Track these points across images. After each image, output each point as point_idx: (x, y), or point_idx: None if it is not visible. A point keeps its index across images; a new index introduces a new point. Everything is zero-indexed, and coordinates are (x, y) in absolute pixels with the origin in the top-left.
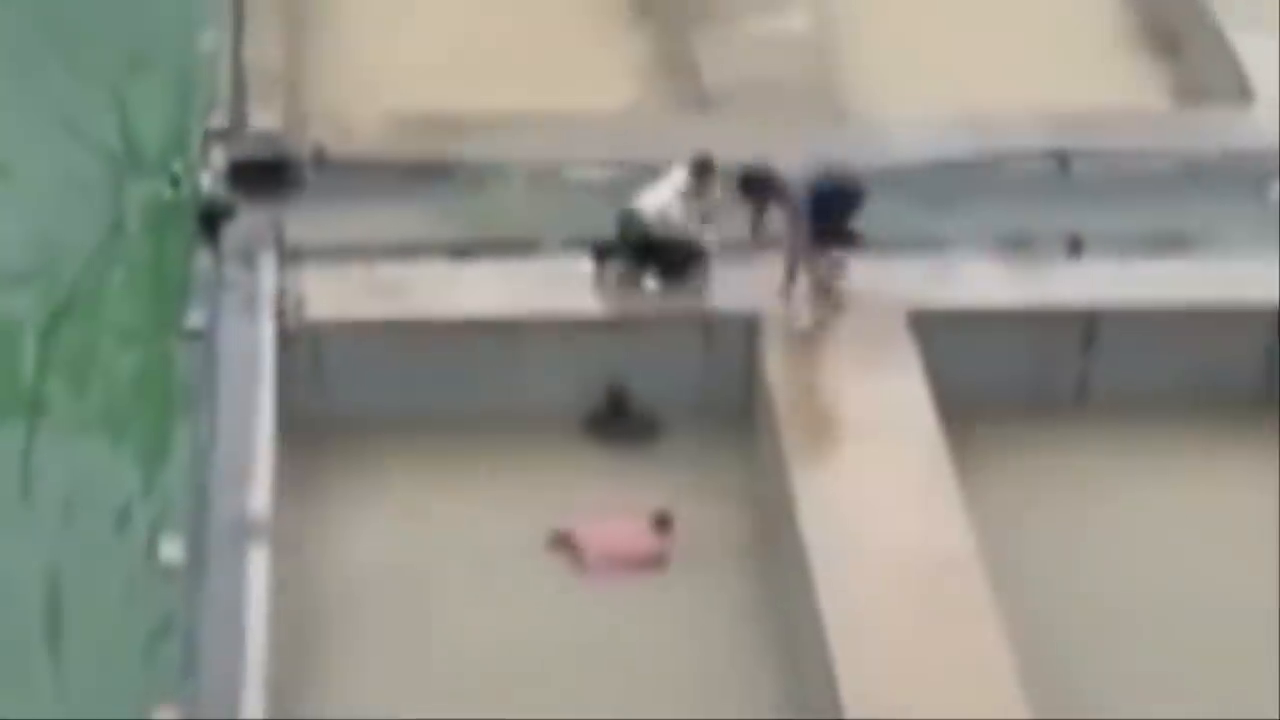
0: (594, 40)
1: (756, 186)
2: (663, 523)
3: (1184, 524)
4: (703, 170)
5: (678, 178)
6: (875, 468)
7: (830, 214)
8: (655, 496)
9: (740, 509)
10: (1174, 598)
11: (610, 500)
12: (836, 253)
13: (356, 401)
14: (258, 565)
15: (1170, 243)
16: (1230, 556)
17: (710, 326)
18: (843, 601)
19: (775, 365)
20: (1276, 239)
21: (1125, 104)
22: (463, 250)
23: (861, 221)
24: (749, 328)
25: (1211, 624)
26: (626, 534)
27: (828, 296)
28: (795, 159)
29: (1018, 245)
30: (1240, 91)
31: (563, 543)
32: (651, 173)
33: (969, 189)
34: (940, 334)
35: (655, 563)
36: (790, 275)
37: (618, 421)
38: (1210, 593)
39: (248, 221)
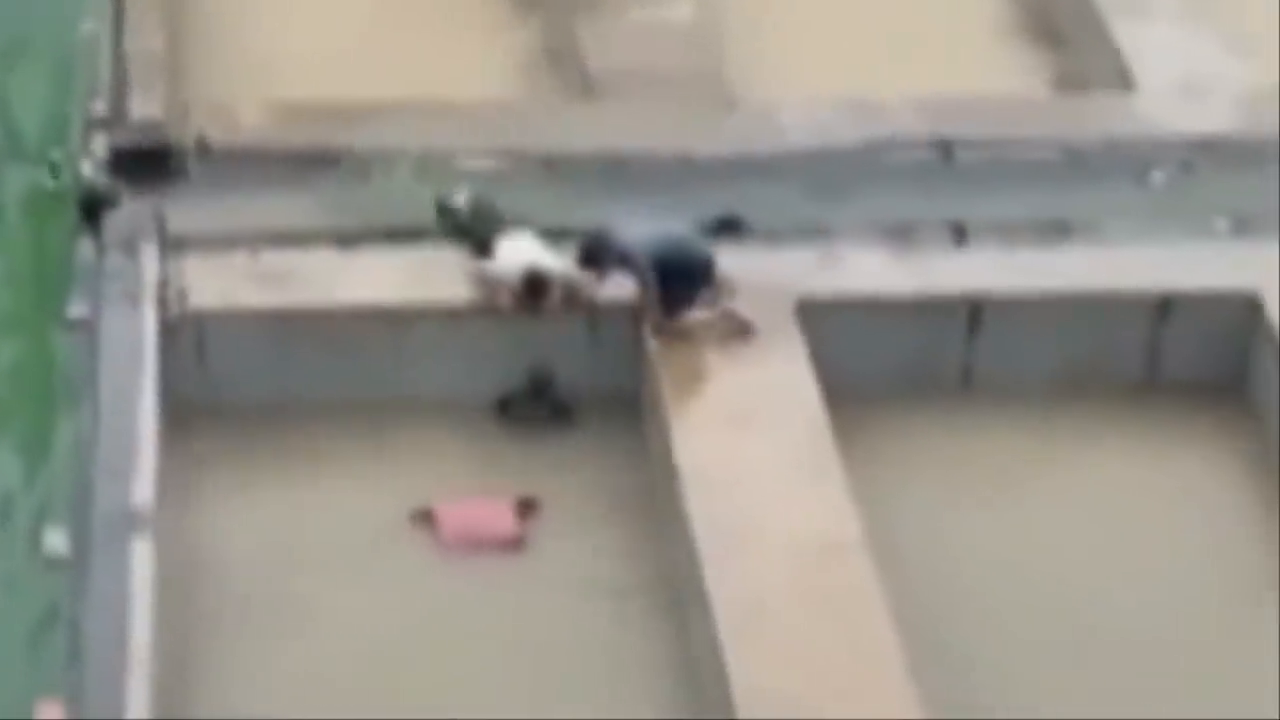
0: (479, 29)
1: (596, 257)
2: (527, 506)
3: (1068, 508)
4: (534, 289)
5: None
6: (762, 454)
7: (675, 286)
8: (538, 482)
9: (628, 495)
10: (1058, 581)
11: (492, 485)
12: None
13: (242, 391)
14: (142, 556)
15: (1053, 230)
16: (1112, 540)
17: (596, 312)
18: (731, 587)
19: (662, 352)
20: (1158, 226)
21: (1008, 92)
22: (349, 239)
23: (747, 210)
24: (635, 314)
25: (1096, 608)
26: (485, 514)
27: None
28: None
29: (903, 233)
30: (1122, 80)
31: (423, 519)
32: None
33: (854, 177)
34: (827, 321)
35: (512, 545)
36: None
37: (535, 405)
38: (1094, 576)
39: (130, 210)
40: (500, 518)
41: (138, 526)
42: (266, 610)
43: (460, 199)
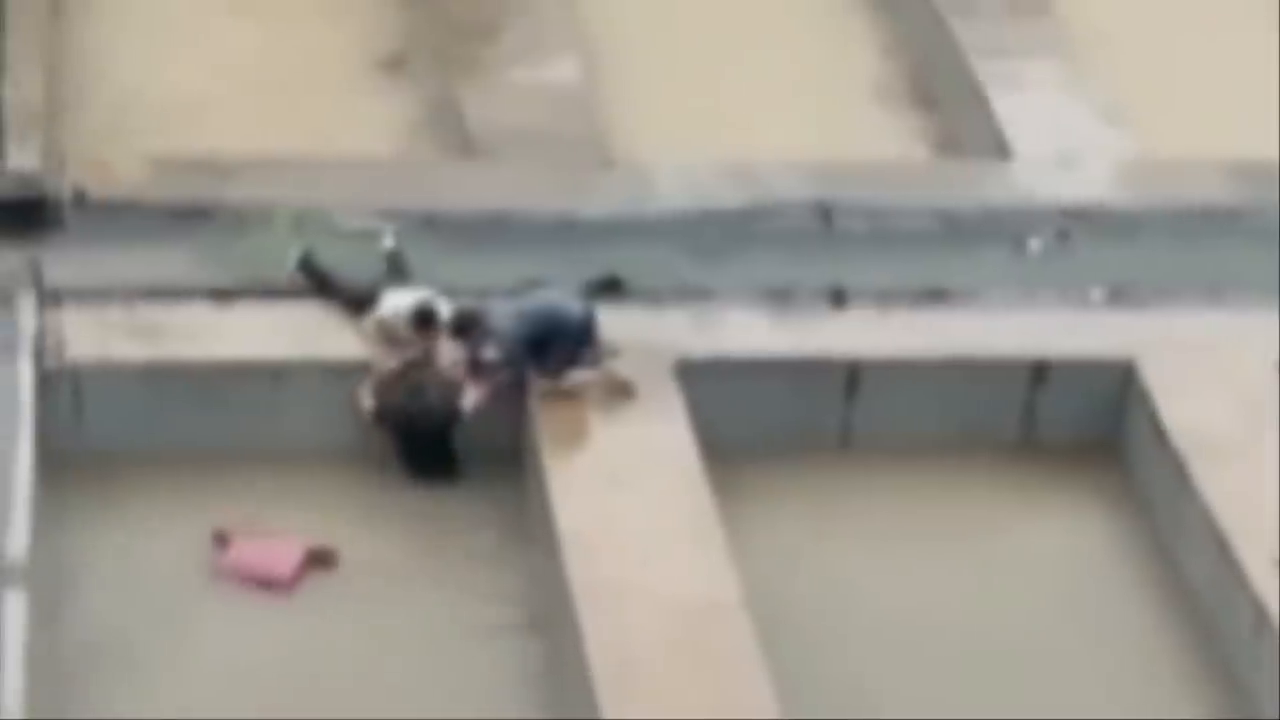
0: (363, 86)
1: (467, 329)
2: (320, 557)
3: (946, 567)
4: (424, 320)
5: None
6: (641, 514)
7: (555, 352)
8: (409, 535)
9: (507, 551)
10: (935, 640)
11: (361, 536)
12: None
13: (117, 443)
14: (14, 609)
15: (931, 295)
16: (990, 596)
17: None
18: (609, 647)
19: (543, 411)
20: (1034, 294)
21: (887, 158)
22: (224, 294)
23: (627, 271)
24: (520, 371)
25: (973, 664)
26: (270, 552)
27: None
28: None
29: (782, 296)
30: (998, 148)
31: (219, 541)
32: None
33: (734, 240)
34: (706, 382)
35: (279, 588)
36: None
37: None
38: (972, 633)
39: (6, 262)
40: (282, 560)
41: (10, 580)
42: (144, 662)
43: (389, 239)
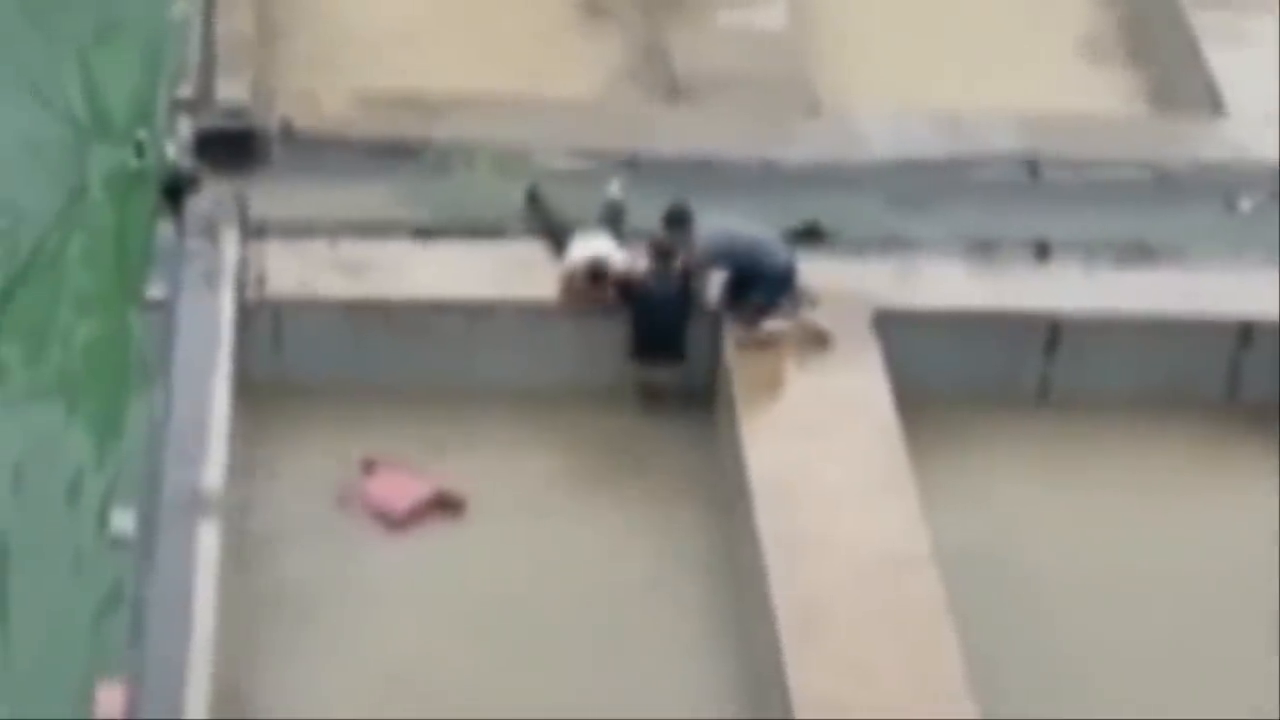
0: (567, 28)
1: (678, 222)
2: (447, 503)
3: (1143, 527)
4: (594, 277)
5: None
6: (834, 464)
7: (754, 290)
8: (600, 480)
9: (698, 499)
10: (1128, 598)
11: (546, 470)
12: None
13: (315, 378)
14: (208, 538)
15: (1137, 251)
16: (1188, 559)
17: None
18: (796, 596)
19: (738, 357)
20: (1243, 253)
21: (1097, 111)
22: (426, 231)
23: (828, 218)
24: (715, 318)
25: (1165, 625)
26: (396, 488)
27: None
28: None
29: (985, 248)
30: (1212, 103)
31: (364, 468)
32: (624, 167)
33: (938, 190)
34: (904, 334)
35: (389, 525)
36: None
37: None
38: (1165, 593)
39: (212, 193)
40: (402, 498)
41: (205, 509)
42: (335, 595)
43: (615, 189)
